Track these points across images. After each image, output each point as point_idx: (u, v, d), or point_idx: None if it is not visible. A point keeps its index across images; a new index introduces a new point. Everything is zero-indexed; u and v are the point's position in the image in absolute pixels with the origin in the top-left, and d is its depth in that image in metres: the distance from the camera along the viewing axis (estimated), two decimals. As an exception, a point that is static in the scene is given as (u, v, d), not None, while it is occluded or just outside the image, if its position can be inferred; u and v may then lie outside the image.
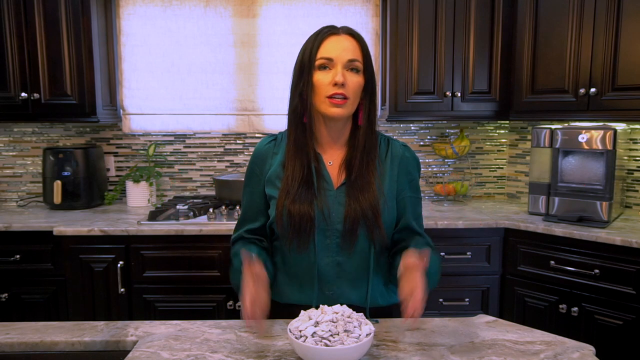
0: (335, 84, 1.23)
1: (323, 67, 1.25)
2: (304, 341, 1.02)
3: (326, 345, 1.01)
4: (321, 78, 1.25)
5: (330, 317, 1.06)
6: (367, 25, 2.91)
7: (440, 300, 2.44)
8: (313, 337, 1.03)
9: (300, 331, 1.05)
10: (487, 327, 1.26)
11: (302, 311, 1.11)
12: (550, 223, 2.35)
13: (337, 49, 1.25)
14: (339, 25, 1.30)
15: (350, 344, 1.01)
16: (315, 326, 1.05)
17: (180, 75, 2.92)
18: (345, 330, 1.04)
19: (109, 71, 2.84)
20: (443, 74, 2.64)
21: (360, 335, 1.04)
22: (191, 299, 2.35)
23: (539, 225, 2.31)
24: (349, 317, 1.07)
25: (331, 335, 1.03)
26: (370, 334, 1.05)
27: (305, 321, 1.07)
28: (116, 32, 2.88)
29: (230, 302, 2.34)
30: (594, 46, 2.32)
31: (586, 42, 2.33)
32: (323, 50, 1.25)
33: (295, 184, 1.27)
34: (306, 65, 1.26)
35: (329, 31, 1.27)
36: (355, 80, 1.26)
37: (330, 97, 1.24)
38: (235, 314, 2.34)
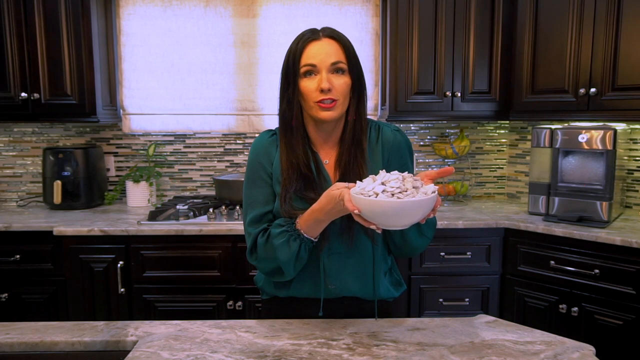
0: (322, 90, 1.24)
1: (308, 74, 1.26)
2: (376, 198, 1.02)
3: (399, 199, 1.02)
4: (308, 85, 1.25)
5: (396, 176, 1.06)
6: (367, 25, 2.91)
7: (440, 300, 2.44)
8: (384, 193, 1.03)
9: (367, 191, 1.05)
10: (487, 327, 1.26)
11: (358, 182, 1.10)
12: (550, 223, 2.35)
13: (319, 54, 1.25)
14: (319, 27, 1.30)
15: (422, 197, 1.02)
16: (383, 185, 1.05)
17: (180, 75, 2.92)
18: (414, 187, 1.05)
19: (109, 71, 2.84)
20: (443, 74, 2.64)
21: (427, 191, 1.05)
22: (191, 299, 2.35)
23: (539, 225, 2.31)
24: (413, 175, 1.08)
25: (400, 191, 1.03)
26: (435, 191, 1.06)
27: (370, 183, 1.07)
28: (116, 32, 2.88)
29: (230, 302, 2.34)
30: (594, 46, 2.32)
31: (586, 42, 2.33)
32: (305, 57, 1.26)
33: (293, 183, 1.28)
34: (291, 73, 1.27)
35: (310, 37, 1.27)
36: (341, 82, 1.26)
37: (319, 102, 1.25)
38: (235, 314, 2.34)
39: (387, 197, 1.02)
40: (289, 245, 1.23)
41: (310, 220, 1.21)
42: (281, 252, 1.24)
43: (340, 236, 1.29)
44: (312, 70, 1.25)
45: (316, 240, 1.25)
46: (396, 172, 1.09)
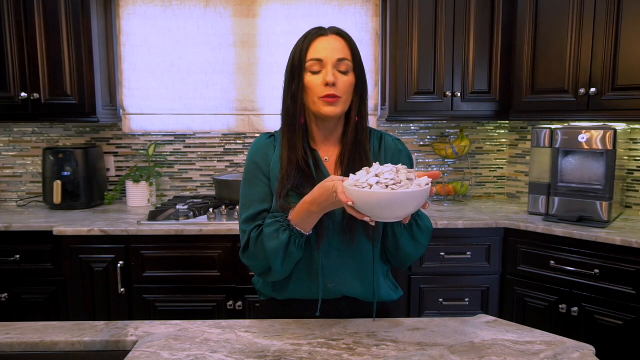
0: (327, 84, 1.25)
1: (314, 70, 1.27)
2: (370, 189, 1.02)
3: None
4: (313, 80, 1.27)
5: (390, 168, 1.06)
6: (367, 25, 2.91)
7: (440, 300, 2.44)
8: (378, 185, 1.03)
9: (361, 183, 1.04)
10: (487, 327, 1.26)
11: (352, 175, 1.10)
12: (550, 223, 2.35)
13: (326, 49, 1.27)
14: (326, 27, 1.32)
15: (416, 188, 1.02)
16: (377, 177, 1.05)
17: (180, 75, 2.92)
18: (408, 179, 1.05)
19: (109, 71, 2.84)
20: (443, 74, 2.64)
21: (420, 183, 1.05)
22: (191, 299, 2.35)
23: (539, 225, 2.31)
24: (407, 168, 1.08)
25: (394, 183, 1.03)
26: (428, 184, 1.05)
27: (364, 175, 1.07)
28: (116, 32, 2.88)
29: (230, 302, 2.34)
30: (594, 46, 2.32)
31: (586, 42, 2.33)
32: (312, 51, 1.27)
33: (291, 179, 1.28)
34: (297, 68, 1.28)
35: (317, 33, 1.29)
36: (345, 80, 1.27)
37: (323, 97, 1.26)
38: (235, 314, 2.34)
39: (381, 188, 1.02)
40: (277, 235, 1.22)
41: (303, 212, 1.20)
42: (269, 240, 1.23)
43: (342, 235, 1.29)
44: (318, 65, 1.27)
45: (307, 234, 1.24)
46: (390, 164, 1.09)
